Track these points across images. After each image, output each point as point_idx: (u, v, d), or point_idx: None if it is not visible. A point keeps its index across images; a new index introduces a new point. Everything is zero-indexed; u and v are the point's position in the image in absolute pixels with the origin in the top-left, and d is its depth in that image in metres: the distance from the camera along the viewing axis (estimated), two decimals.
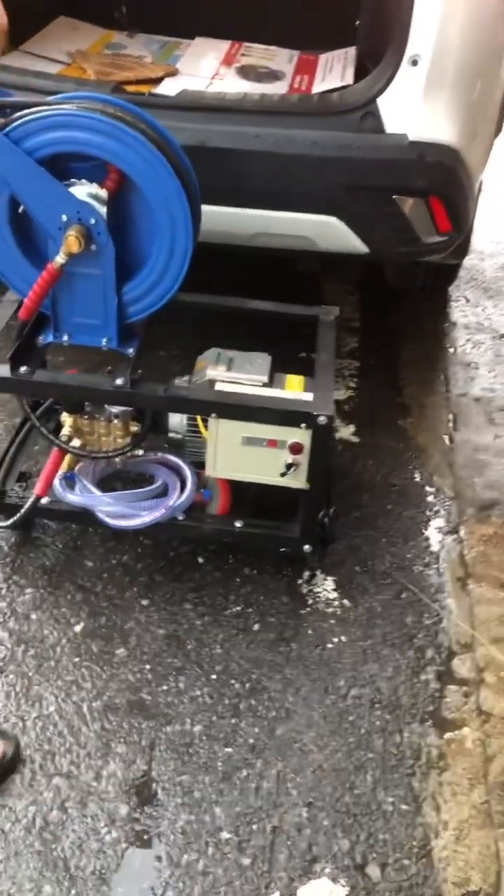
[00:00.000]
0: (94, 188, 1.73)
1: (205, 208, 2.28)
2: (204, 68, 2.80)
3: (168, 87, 2.57)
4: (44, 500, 2.04)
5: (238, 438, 1.88)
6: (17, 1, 2.97)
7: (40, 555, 2.12)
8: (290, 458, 1.88)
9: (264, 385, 1.98)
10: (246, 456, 1.90)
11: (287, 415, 1.82)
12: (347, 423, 2.66)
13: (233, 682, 1.87)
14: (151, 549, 2.16)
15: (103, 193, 1.73)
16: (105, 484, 2.17)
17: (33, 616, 1.97)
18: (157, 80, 2.65)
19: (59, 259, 1.75)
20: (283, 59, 2.96)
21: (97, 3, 3.18)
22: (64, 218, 1.73)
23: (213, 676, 1.88)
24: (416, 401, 2.80)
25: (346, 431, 2.63)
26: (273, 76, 2.82)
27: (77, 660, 1.89)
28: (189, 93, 2.38)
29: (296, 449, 1.86)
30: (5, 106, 1.70)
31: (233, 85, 2.69)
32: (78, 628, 1.95)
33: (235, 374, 1.99)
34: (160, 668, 1.88)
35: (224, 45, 3.03)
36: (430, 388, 2.85)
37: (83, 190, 1.73)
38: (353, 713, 1.83)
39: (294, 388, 2.01)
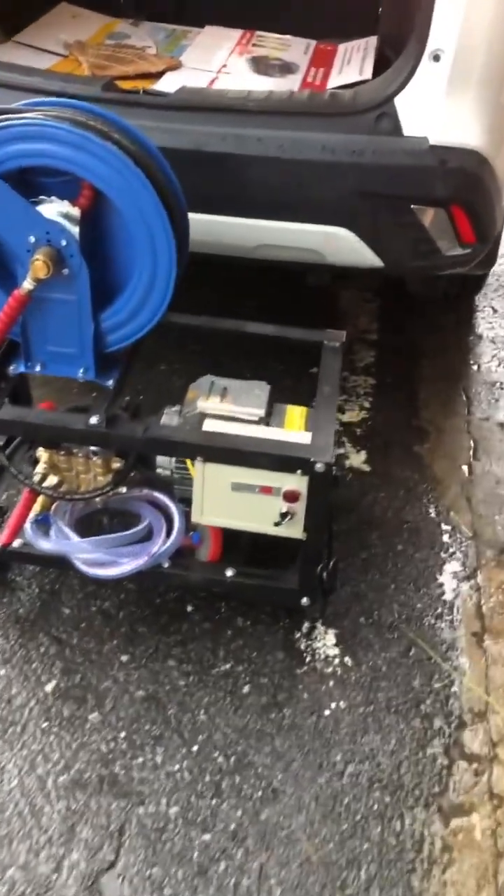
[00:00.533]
0: (66, 206, 1.54)
1: (203, 218, 2.09)
2: (210, 61, 2.59)
3: (168, 83, 2.36)
4: (15, 544, 1.86)
5: (227, 483, 1.69)
6: None
7: (14, 600, 1.94)
8: (284, 507, 1.68)
9: (260, 420, 1.78)
10: (236, 502, 1.71)
11: (281, 460, 1.62)
12: (359, 450, 2.46)
13: (216, 754, 1.69)
14: (135, 595, 1.97)
15: (75, 212, 1.54)
16: (86, 522, 1.99)
17: (1, 672, 1.80)
18: (158, 75, 2.44)
19: (27, 285, 1.56)
20: (298, 49, 2.74)
21: None
22: (32, 239, 1.54)
23: (195, 748, 1.70)
24: (434, 424, 2.58)
25: (356, 459, 2.42)
26: (286, 69, 2.59)
27: (46, 725, 1.71)
28: (188, 90, 2.17)
29: (291, 497, 1.67)
30: None
31: (240, 79, 2.47)
32: (49, 687, 1.78)
33: (229, 406, 1.80)
34: (136, 737, 1.70)
35: (235, 35, 2.80)
36: (451, 410, 2.63)
37: (53, 208, 1.54)
38: (349, 794, 1.64)
39: (294, 423, 1.81)
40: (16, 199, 1.50)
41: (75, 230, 1.54)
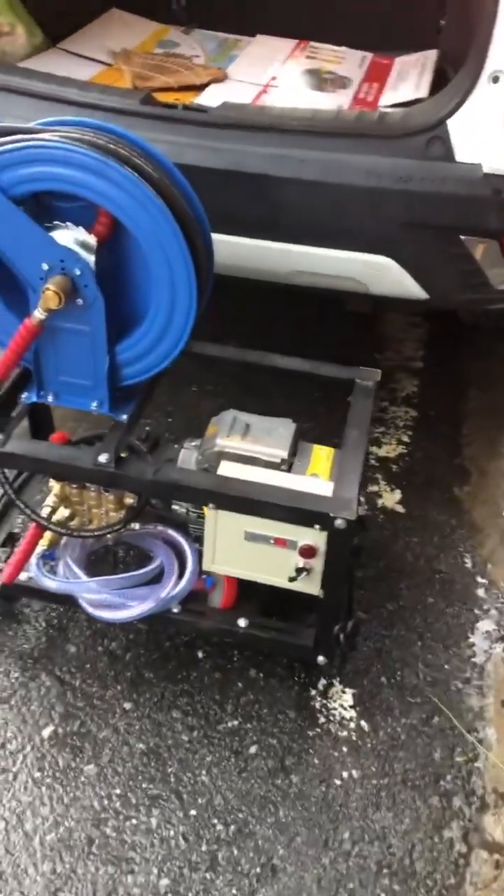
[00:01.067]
0: (82, 233, 1.45)
1: (239, 241, 2.00)
2: (259, 73, 2.48)
3: (211, 97, 2.26)
4: (22, 577, 1.78)
5: (240, 532, 1.58)
6: None
7: (20, 634, 1.87)
8: (300, 562, 1.57)
9: (282, 462, 1.67)
10: (249, 553, 1.60)
11: (298, 513, 1.51)
12: (393, 488, 2.32)
13: (215, 821, 1.58)
14: (145, 636, 1.88)
15: (91, 240, 1.45)
16: (97, 556, 1.91)
17: None
18: (201, 87, 2.35)
19: (38, 314, 1.47)
20: (353, 62, 2.61)
21: None
22: (45, 266, 1.45)
23: (193, 812, 1.59)
24: (476, 464, 2.43)
25: (390, 498, 2.29)
26: (338, 83, 2.47)
27: (39, 775, 1.63)
28: (229, 106, 2.06)
29: (307, 552, 1.55)
30: None
31: (288, 93, 2.36)
32: (46, 732, 1.69)
33: (250, 445, 1.69)
34: (132, 796, 1.60)
35: (287, 45, 2.70)
36: (496, 450, 2.47)
37: (68, 235, 1.45)
38: (355, 878, 1.52)
39: (320, 465, 1.69)
40: (29, 224, 1.41)
41: (91, 259, 1.45)
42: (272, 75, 2.49)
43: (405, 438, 2.51)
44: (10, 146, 1.38)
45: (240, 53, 2.65)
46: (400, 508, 2.27)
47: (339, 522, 1.49)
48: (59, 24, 2.62)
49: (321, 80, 2.48)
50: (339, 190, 1.89)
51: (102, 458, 1.55)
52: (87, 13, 2.79)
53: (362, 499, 2.26)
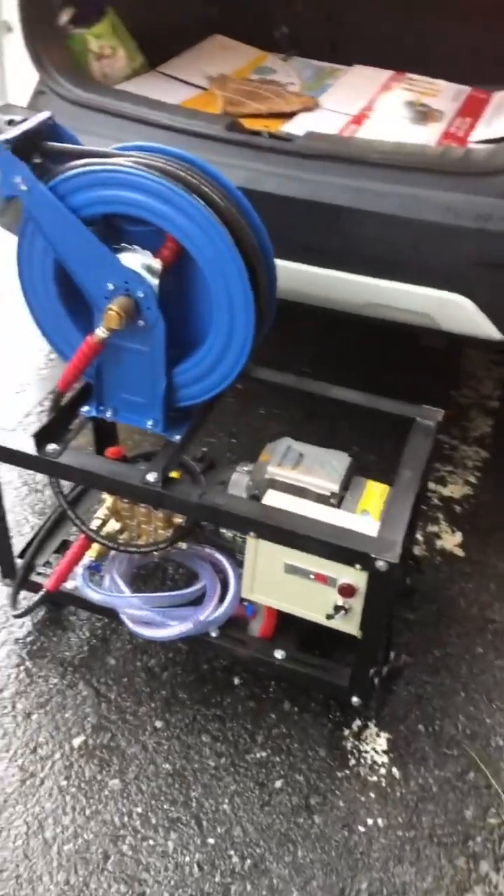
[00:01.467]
0: (148, 257, 1.47)
1: (311, 270, 2.00)
2: (350, 103, 2.48)
3: (298, 125, 2.27)
4: (69, 585, 1.82)
5: (280, 564, 1.57)
6: (171, 18, 2.80)
7: (63, 641, 1.90)
8: (339, 600, 1.54)
9: (332, 495, 1.65)
10: (288, 585, 1.58)
11: (338, 550, 1.48)
12: (454, 530, 2.26)
13: (231, 853, 1.56)
14: (184, 656, 1.88)
15: (157, 264, 1.47)
16: (145, 571, 1.93)
17: (34, 717, 1.75)
18: (291, 115, 2.36)
19: (100, 333, 1.50)
20: (447, 95, 2.58)
21: (256, 22, 2.93)
22: (110, 287, 1.48)
23: (211, 840, 1.58)
24: None
25: (450, 540, 2.23)
26: (430, 116, 2.44)
27: (65, 783, 1.65)
28: (313, 136, 2.07)
29: (347, 591, 1.52)
30: (62, 154, 1.47)
31: (377, 126, 2.35)
32: (77, 742, 1.71)
33: (300, 476, 1.68)
34: (152, 816, 1.61)
35: (383, 76, 2.69)
36: None
37: (135, 258, 1.48)
38: None
39: (372, 502, 1.66)
40: (98, 245, 1.45)
41: (154, 282, 1.47)
42: (363, 106, 2.48)
43: (472, 479, 2.44)
44: (84, 169, 1.42)
45: (335, 82, 2.66)
46: (459, 552, 2.21)
47: (380, 564, 1.46)
48: (160, 49, 2.69)
49: (414, 113, 2.46)
50: (416, 225, 1.87)
51: (150, 477, 1.57)
52: (189, 38, 2.86)
53: (420, 538, 2.22)
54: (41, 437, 1.62)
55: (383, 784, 1.68)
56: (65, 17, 2.29)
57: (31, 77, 2.15)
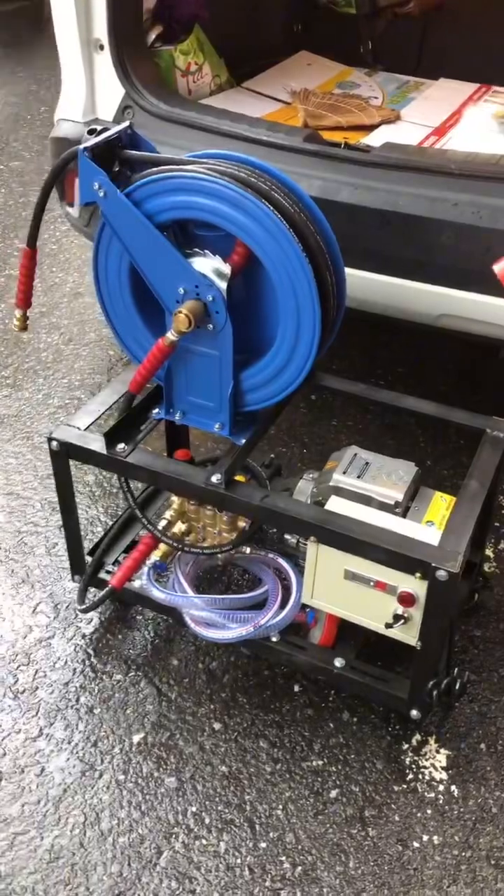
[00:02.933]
0: (218, 262, 1.50)
1: (386, 280, 2.00)
2: (432, 115, 2.47)
3: (377, 137, 2.28)
4: (136, 584, 1.86)
5: (340, 570, 1.56)
6: (257, 35, 2.86)
7: (128, 639, 1.94)
8: (399, 609, 1.52)
9: (396, 504, 1.64)
10: (348, 592, 1.57)
11: (399, 558, 1.47)
12: None
13: (283, 859, 1.56)
14: (246, 660, 1.89)
15: (226, 269, 1.50)
16: (211, 574, 1.95)
17: (96, 711, 1.79)
18: (371, 128, 2.37)
19: (170, 336, 1.54)
20: None
21: (342, 38, 2.96)
22: (181, 290, 1.52)
23: (263, 845, 1.58)
24: None
25: None
26: None
27: (122, 777, 1.68)
28: (389, 146, 2.07)
29: (407, 600, 1.50)
30: (138, 161, 1.52)
31: (462, 138, 2.33)
32: (136, 738, 1.74)
33: (365, 484, 1.67)
34: (206, 816, 1.62)
35: (468, 89, 2.67)
36: None
37: (206, 262, 1.51)
38: None
39: (438, 514, 1.64)
40: (170, 250, 1.49)
41: (224, 286, 1.50)
42: (445, 118, 2.47)
43: None
44: (158, 175, 1.46)
45: (418, 96, 2.66)
46: None
47: (440, 574, 1.43)
48: (246, 65, 2.75)
49: (499, 125, 2.43)
50: (492, 235, 1.85)
51: (214, 478, 1.59)
52: (275, 54, 2.91)
53: (491, 555, 2.17)
54: (111, 437, 1.67)
55: (441, 801, 1.65)
56: (153, 34, 2.37)
57: (118, 93, 2.24)
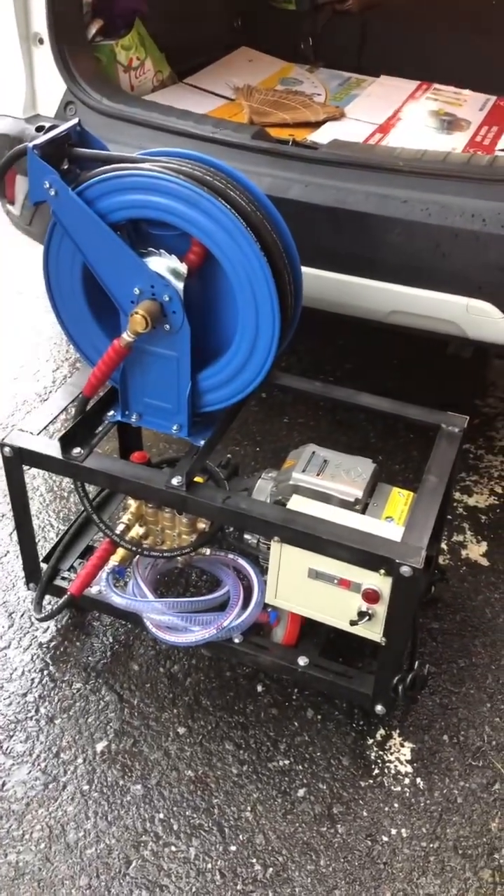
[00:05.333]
0: (174, 261, 1.48)
1: (336, 278, 2.00)
2: (376, 112, 2.49)
3: (323, 134, 2.28)
4: (93, 590, 1.82)
5: (304, 569, 1.56)
6: (198, 30, 2.84)
7: (86, 646, 1.90)
8: (363, 606, 1.53)
9: (356, 501, 1.64)
10: (312, 590, 1.57)
11: (362, 555, 1.47)
12: (480, 540, 2.24)
13: (253, 861, 1.55)
14: (207, 662, 1.88)
15: (183, 268, 1.48)
16: (169, 579, 1.92)
17: (57, 721, 1.75)
18: (317, 125, 2.38)
19: (126, 337, 1.51)
20: (474, 105, 2.58)
21: (282, 35, 2.95)
22: (136, 291, 1.49)
23: (233, 848, 1.57)
24: None
25: (475, 550, 2.21)
26: (456, 125, 2.44)
27: (87, 787, 1.64)
28: (337, 143, 2.08)
29: (371, 597, 1.51)
30: (90, 159, 1.48)
31: (403, 135, 2.35)
32: (100, 747, 1.71)
33: (324, 482, 1.67)
34: (174, 822, 1.60)
35: (409, 86, 2.70)
36: None
37: (161, 262, 1.49)
38: None
39: (396, 509, 1.65)
40: (124, 249, 1.46)
41: (180, 286, 1.48)
42: (389, 115, 2.49)
43: (498, 489, 2.42)
44: (111, 174, 1.43)
45: (360, 93, 2.67)
46: (484, 561, 2.18)
47: (404, 569, 1.44)
48: (187, 61, 2.72)
49: (440, 122, 2.46)
50: (442, 232, 1.86)
51: (175, 480, 1.57)
52: (216, 51, 2.89)
53: (445, 548, 2.20)
54: (66, 441, 1.63)
55: (407, 794, 1.66)
56: (93, 28, 2.32)
57: (59, 88, 2.18)
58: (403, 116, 2.48)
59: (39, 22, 2.12)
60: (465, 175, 1.89)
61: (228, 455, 2.07)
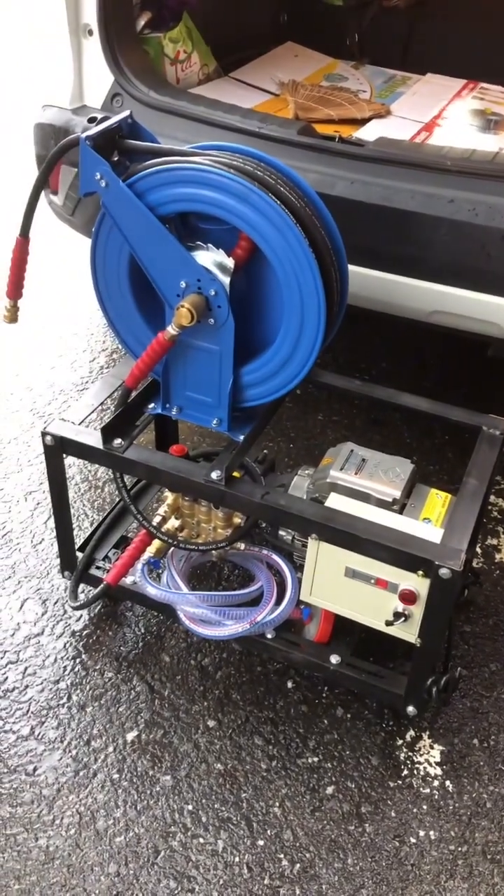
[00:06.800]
0: (221, 255, 1.48)
1: (379, 276, 1.99)
2: (422, 111, 2.47)
3: (369, 131, 2.27)
4: (128, 580, 1.83)
5: (341, 567, 1.56)
6: (244, 25, 2.83)
7: (118, 636, 1.91)
8: (399, 606, 1.52)
9: (394, 502, 1.63)
10: (348, 589, 1.57)
11: (401, 556, 1.47)
12: None
13: (281, 856, 1.55)
14: (238, 657, 1.88)
15: (229, 262, 1.48)
16: (202, 572, 1.93)
17: (88, 709, 1.77)
18: (362, 122, 2.36)
19: (171, 330, 1.52)
20: None
21: (329, 30, 2.94)
22: (182, 284, 1.49)
23: (261, 842, 1.57)
24: None
25: None
26: (501, 125, 2.42)
27: (117, 776, 1.66)
28: (384, 141, 2.07)
29: (408, 598, 1.50)
30: (141, 152, 1.49)
31: (449, 134, 2.34)
32: (130, 736, 1.72)
33: (362, 481, 1.66)
34: (202, 814, 1.60)
35: (455, 85, 2.67)
36: None
37: (208, 256, 1.49)
38: None
39: (434, 511, 1.64)
40: (172, 242, 1.46)
41: (226, 281, 1.48)
42: (435, 114, 2.47)
43: None
44: (162, 167, 1.43)
45: (406, 91, 2.65)
46: None
47: (443, 571, 1.44)
48: (233, 55, 2.72)
49: (485, 122, 2.43)
50: (488, 233, 1.85)
51: (214, 474, 1.58)
52: (262, 45, 2.88)
53: (479, 551, 2.18)
54: (108, 432, 1.64)
55: (436, 797, 1.66)
56: (142, 21, 2.33)
57: (107, 80, 2.19)
58: (449, 115, 2.46)
59: (90, 13, 2.13)
60: None
61: (265, 451, 2.06)
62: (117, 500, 2.12)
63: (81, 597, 1.89)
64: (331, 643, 1.75)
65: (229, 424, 1.65)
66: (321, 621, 1.74)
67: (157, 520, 1.79)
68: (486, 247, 1.86)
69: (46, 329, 2.94)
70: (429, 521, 1.61)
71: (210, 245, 1.49)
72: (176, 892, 1.49)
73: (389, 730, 1.76)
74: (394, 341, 2.92)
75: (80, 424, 1.70)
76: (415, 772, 1.69)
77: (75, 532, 2.02)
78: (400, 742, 1.74)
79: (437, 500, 1.69)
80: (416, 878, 1.53)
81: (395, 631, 1.56)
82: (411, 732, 1.76)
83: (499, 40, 2.74)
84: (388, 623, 1.54)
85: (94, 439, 1.65)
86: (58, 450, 1.68)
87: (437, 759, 1.72)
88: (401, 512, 1.64)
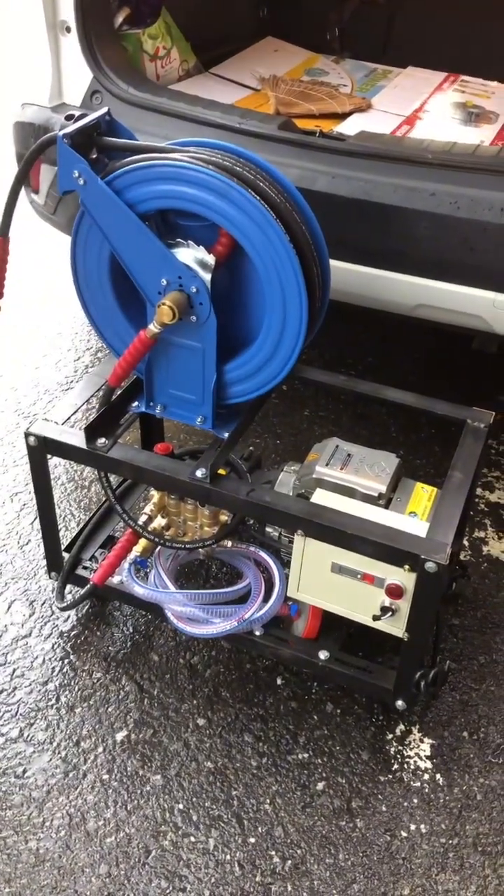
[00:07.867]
0: (202, 252, 1.47)
1: (362, 271, 1.99)
2: (403, 104, 2.47)
3: (350, 126, 2.27)
4: (115, 580, 1.82)
5: (327, 563, 1.55)
6: (224, 20, 2.82)
7: (107, 636, 1.91)
8: (386, 601, 1.52)
9: (380, 496, 1.63)
10: (335, 585, 1.57)
11: (387, 550, 1.47)
12: (501, 536, 2.23)
13: (272, 853, 1.55)
14: (227, 654, 1.88)
15: (210, 259, 1.47)
16: (189, 571, 1.92)
17: (77, 710, 1.76)
18: (343, 116, 2.36)
19: (153, 328, 1.51)
20: (502, 97, 2.55)
21: (309, 25, 2.93)
22: (164, 282, 1.49)
23: (252, 840, 1.57)
24: None
25: (497, 546, 2.20)
26: (484, 118, 2.42)
27: (107, 777, 1.65)
28: (365, 135, 2.06)
29: (394, 592, 1.50)
30: (119, 149, 1.48)
31: (430, 127, 2.33)
32: (119, 736, 1.72)
33: (348, 476, 1.66)
34: (193, 813, 1.60)
35: (436, 78, 2.67)
36: None
37: (189, 253, 1.48)
38: None
39: (420, 505, 1.64)
40: (152, 240, 1.46)
41: (208, 277, 1.47)
42: (416, 107, 2.47)
43: None
44: (141, 164, 1.42)
45: (387, 84, 2.65)
46: None
47: (429, 565, 1.44)
48: (213, 51, 2.71)
49: (466, 114, 2.43)
50: (470, 225, 1.85)
51: (199, 472, 1.57)
52: (242, 40, 2.87)
53: (466, 544, 2.19)
54: (91, 432, 1.63)
55: (426, 790, 1.66)
56: (120, 17, 2.31)
57: (86, 77, 2.18)
58: (430, 108, 2.46)
59: (67, 10, 2.11)
60: (495, 168, 1.87)
61: (251, 447, 2.06)
62: (104, 499, 2.11)
63: (69, 597, 1.88)
64: (319, 639, 1.75)
65: (214, 422, 1.64)
66: (309, 617, 1.74)
67: (143, 519, 1.78)
68: (469, 240, 1.86)
69: (30, 329, 2.93)
70: (415, 515, 1.61)
71: (191, 242, 1.48)
72: (167, 891, 1.49)
73: (379, 724, 1.76)
74: (380, 336, 2.92)
75: (63, 424, 1.69)
76: (405, 766, 1.70)
77: (62, 532, 2.02)
78: (390, 736, 1.74)
79: (422, 494, 1.69)
80: (407, 871, 1.53)
81: (383, 626, 1.56)
82: (401, 726, 1.76)
83: (479, 32, 2.75)
84: (376, 618, 1.54)
85: (77, 439, 1.64)
86: (41, 450, 1.67)
87: (427, 753, 1.72)
88: (386, 506, 1.64)
